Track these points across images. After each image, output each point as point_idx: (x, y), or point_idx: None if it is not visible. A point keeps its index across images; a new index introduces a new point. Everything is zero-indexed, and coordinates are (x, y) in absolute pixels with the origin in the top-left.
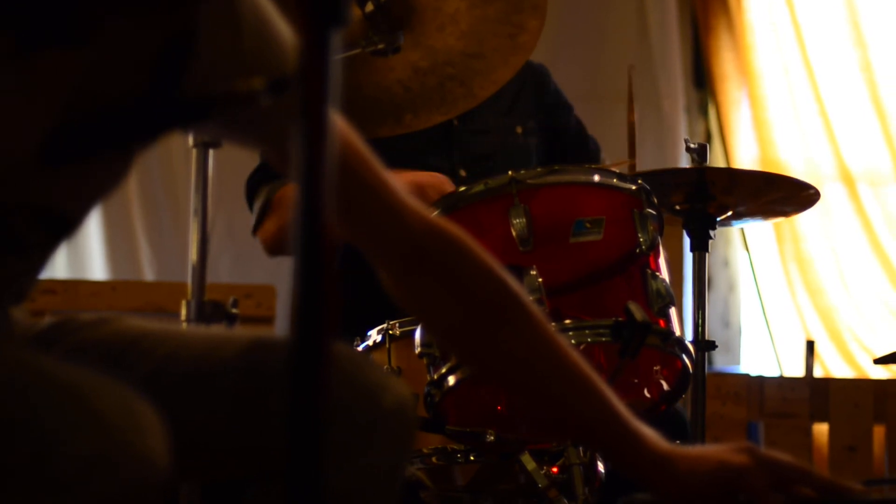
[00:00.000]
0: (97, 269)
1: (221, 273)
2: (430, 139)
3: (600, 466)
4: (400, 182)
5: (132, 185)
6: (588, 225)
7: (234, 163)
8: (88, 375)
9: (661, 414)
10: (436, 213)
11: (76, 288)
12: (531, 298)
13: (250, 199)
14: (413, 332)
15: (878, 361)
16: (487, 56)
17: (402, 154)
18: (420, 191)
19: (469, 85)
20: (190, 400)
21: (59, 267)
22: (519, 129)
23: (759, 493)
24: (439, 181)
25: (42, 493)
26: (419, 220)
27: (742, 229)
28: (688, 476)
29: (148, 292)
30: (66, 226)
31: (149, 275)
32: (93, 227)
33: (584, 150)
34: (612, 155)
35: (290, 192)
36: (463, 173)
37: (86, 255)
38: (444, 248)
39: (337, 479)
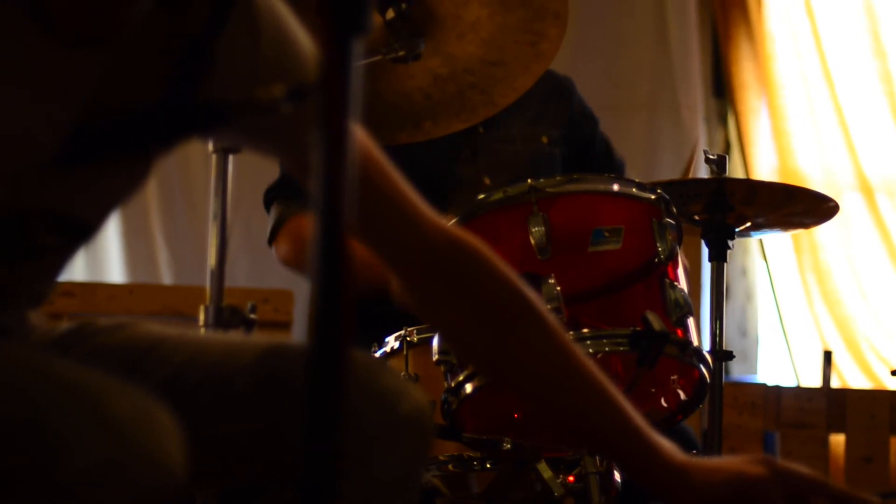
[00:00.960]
0: (115, 272)
1: (239, 277)
2: (456, 147)
3: (616, 476)
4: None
5: (151, 189)
6: (607, 234)
7: (253, 168)
8: (104, 379)
9: (666, 430)
10: (454, 221)
11: (94, 291)
12: (549, 307)
13: (267, 210)
14: (431, 339)
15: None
16: (508, 64)
17: (428, 163)
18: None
19: (489, 93)
20: (206, 406)
21: (77, 269)
22: (545, 139)
23: None
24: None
25: (53, 499)
26: (436, 230)
27: (760, 239)
28: (703, 487)
29: (166, 296)
30: (84, 230)
31: (167, 278)
32: (111, 231)
33: (610, 165)
34: (630, 165)
35: (299, 226)
36: (487, 181)
37: (104, 258)
38: (460, 259)
39: (352, 485)
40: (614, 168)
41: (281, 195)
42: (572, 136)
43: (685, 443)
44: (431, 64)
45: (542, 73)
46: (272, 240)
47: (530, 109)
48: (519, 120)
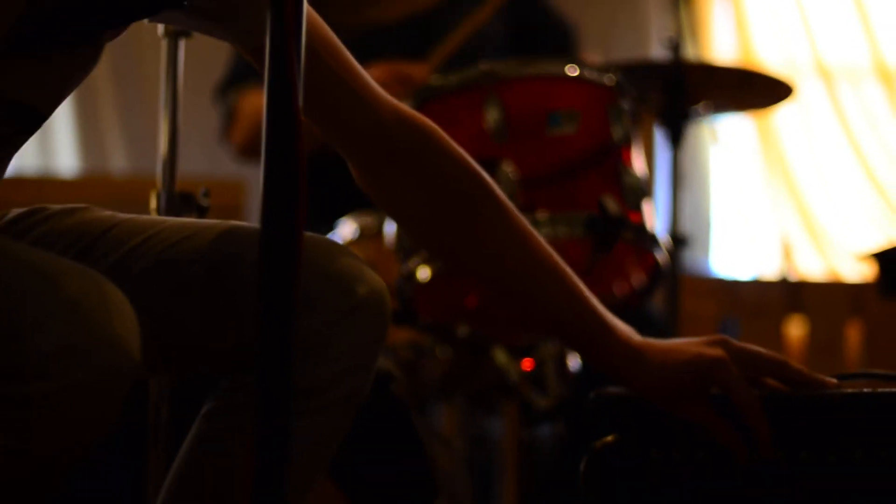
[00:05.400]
0: (67, 160)
1: (192, 166)
2: (406, 34)
3: (573, 361)
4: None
5: (102, 76)
6: (563, 118)
7: (206, 54)
8: (59, 261)
9: (629, 313)
10: (409, 105)
11: (45, 184)
12: (504, 191)
13: (217, 104)
14: (385, 225)
15: (856, 259)
16: None
17: (377, 49)
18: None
19: None
20: (159, 291)
21: (27, 157)
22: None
23: (732, 386)
24: (388, 70)
25: (13, 382)
26: (390, 111)
27: (717, 125)
28: (660, 369)
29: (118, 187)
30: (34, 117)
31: (119, 166)
32: (62, 118)
33: (558, 34)
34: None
35: (253, 104)
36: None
37: (55, 146)
38: (414, 140)
39: (309, 370)
40: (564, 35)
41: (230, 84)
42: (516, 16)
43: (649, 326)
44: None
45: None
46: (225, 130)
47: None
48: None
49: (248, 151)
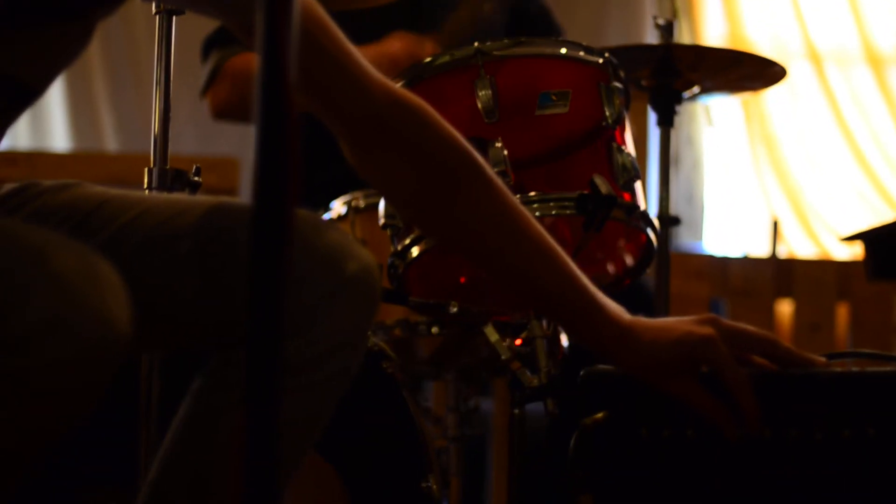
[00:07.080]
0: (59, 139)
1: (186, 145)
2: (397, 13)
3: (563, 339)
4: (371, 56)
5: (95, 54)
6: (554, 97)
7: (199, 31)
8: (49, 235)
9: (626, 288)
10: (400, 84)
11: (38, 159)
12: (496, 171)
13: (204, 59)
14: (377, 203)
15: (844, 240)
16: None
17: (369, 28)
18: (393, 62)
19: None
20: (150, 265)
21: (20, 136)
22: (488, 7)
23: (721, 364)
24: (406, 45)
25: (1, 355)
26: (381, 90)
27: (708, 107)
28: (649, 347)
29: (111, 164)
30: (27, 94)
31: (112, 145)
32: (56, 97)
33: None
34: (578, 31)
35: (242, 62)
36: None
37: (48, 125)
38: (405, 119)
39: (299, 346)
40: (554, 33)
41: (221, 41)
42: (510, 4)
43: (643, 301)
44: None
45: None
46: (208, 87)
47: None
48: None
49: (226, 112)
